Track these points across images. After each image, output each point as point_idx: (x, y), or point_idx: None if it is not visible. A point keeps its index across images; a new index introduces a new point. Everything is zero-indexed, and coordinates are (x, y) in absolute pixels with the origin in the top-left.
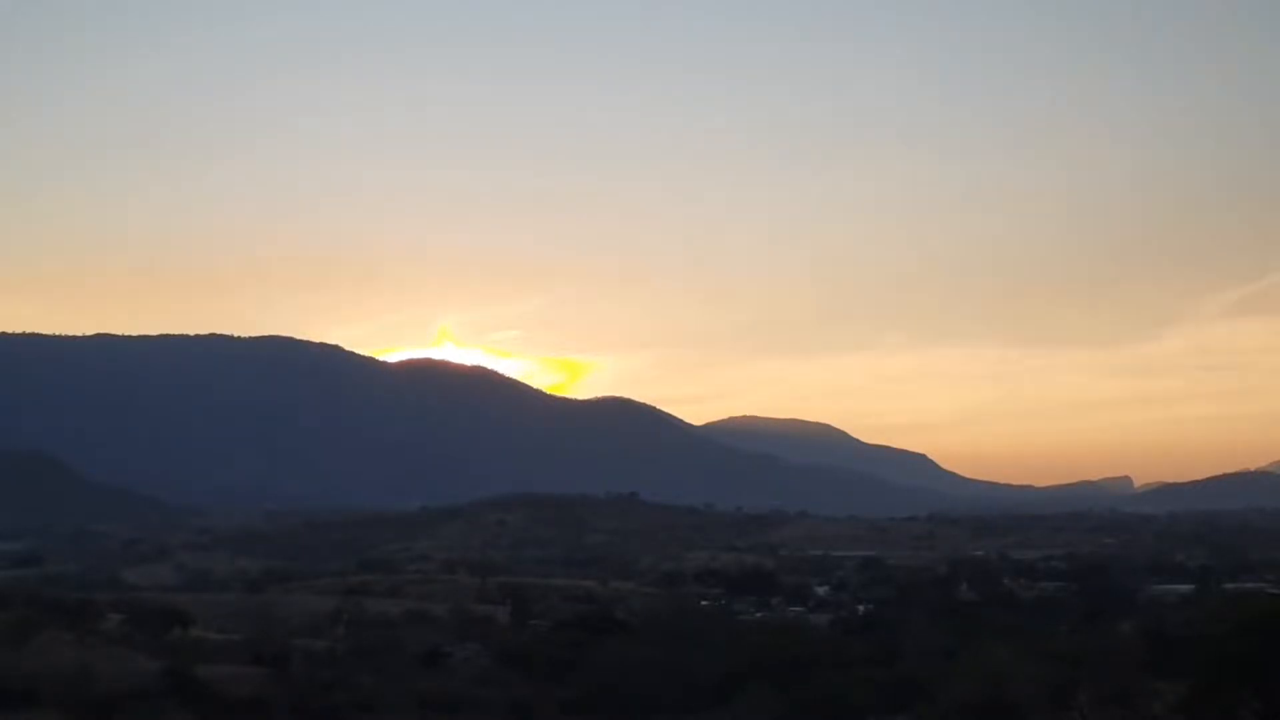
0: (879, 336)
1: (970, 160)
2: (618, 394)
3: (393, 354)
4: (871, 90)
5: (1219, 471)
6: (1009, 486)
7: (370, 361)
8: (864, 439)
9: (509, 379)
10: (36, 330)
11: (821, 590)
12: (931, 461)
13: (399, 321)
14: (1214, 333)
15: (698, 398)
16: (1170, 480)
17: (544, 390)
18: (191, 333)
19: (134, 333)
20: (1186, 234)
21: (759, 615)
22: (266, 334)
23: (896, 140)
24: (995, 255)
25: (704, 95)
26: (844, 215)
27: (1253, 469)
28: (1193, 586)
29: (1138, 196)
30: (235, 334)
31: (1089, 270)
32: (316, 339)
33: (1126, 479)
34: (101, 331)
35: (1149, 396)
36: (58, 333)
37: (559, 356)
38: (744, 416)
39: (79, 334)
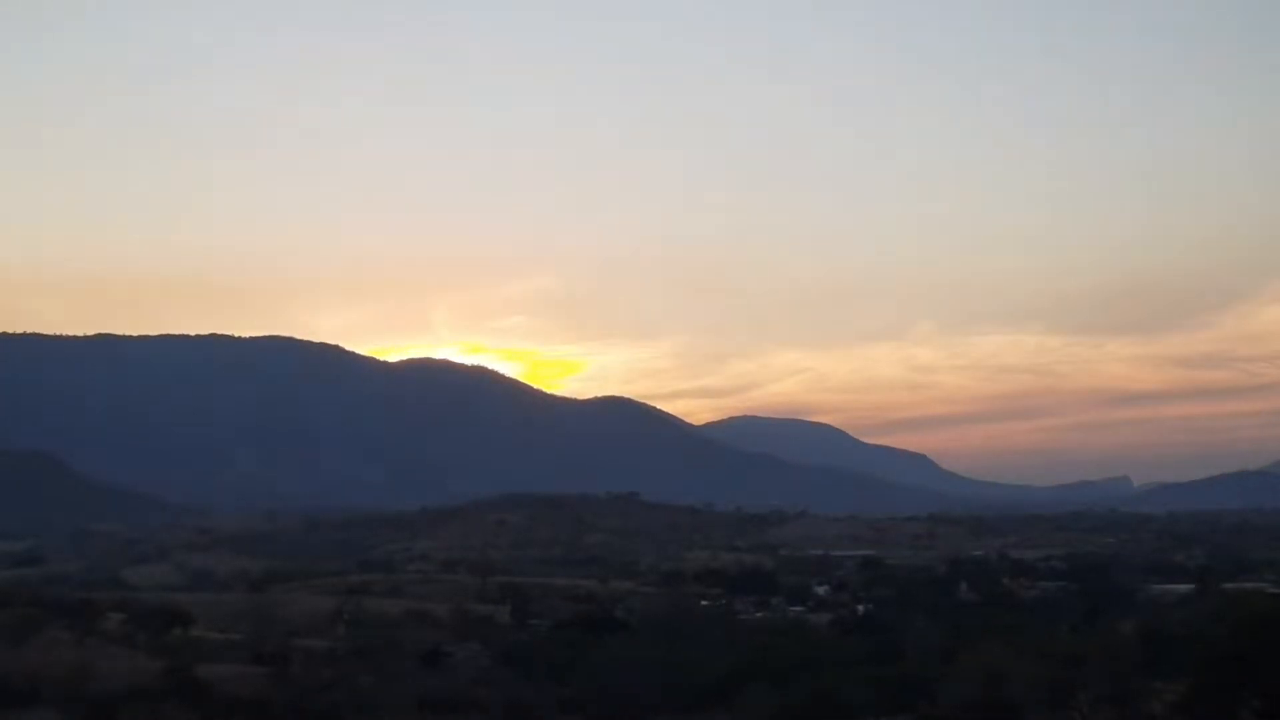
0: (900, 331)
1: (995, 146)
2: (618, 393)
3: (393, 354)
4: (874, 87)
5: (1219, 471)
6: (1009, 486)
7: (370, 361)
8: (864, 439)
9: (509, 379)
10: (36, 330)
11: (821, 590)
12: (931, 461)
13: (399, 321)
14: (1266, 319)
15: (698, 397)
16: (1170, 480)
17: (544, 390)
18: (191, 333)
19: (134, 333)
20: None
21: (759, 615)
22: (266, 334)
23: (915, 128)
24: (1022, 246)
25: (705, 91)
26: (846, 211)
27: (1253, 469)
28: (1192, 586)
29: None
30: (235, 334)
31: (1139, 258)
32: (316, 339)
33: (1126, 479)
34: (101, 331)
35: (1183, 390)
36: (58, 333)
37: (559, 347)
38: (744, 416)
39: (79, 334)
